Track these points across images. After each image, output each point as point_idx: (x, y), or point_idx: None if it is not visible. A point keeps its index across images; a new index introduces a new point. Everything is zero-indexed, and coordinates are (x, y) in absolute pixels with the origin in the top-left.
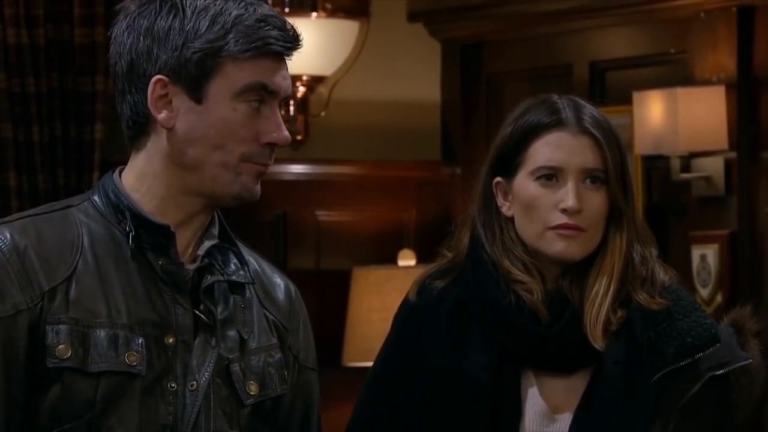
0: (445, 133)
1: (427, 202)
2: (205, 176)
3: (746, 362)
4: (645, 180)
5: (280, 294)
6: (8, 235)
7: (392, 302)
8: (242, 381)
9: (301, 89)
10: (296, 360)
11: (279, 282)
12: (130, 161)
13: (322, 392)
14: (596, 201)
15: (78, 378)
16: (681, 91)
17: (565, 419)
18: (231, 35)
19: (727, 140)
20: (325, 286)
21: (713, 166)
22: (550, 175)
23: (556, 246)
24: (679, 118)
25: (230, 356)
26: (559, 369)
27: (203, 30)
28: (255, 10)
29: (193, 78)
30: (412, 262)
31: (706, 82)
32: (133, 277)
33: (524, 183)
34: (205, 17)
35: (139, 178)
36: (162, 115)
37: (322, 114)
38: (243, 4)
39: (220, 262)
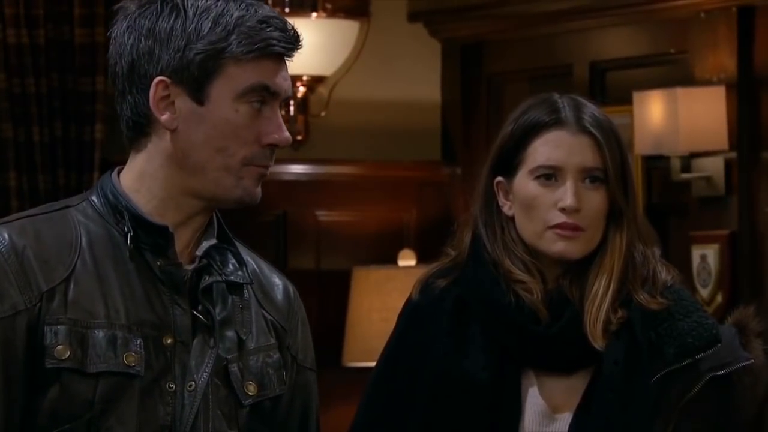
0: (445, 133)
1: (427, 202)
2: (207, 179)
3: (748, 362)
4: (645, 180)
5: (279, 294)
6: (7, 236)
7: (392, 302)
8: (240, 381)
9: (302, 89)
10: (294, 360)
11: (277, 282)
12: (129, 161)
13: (322, 392)
14: (595, 200)
15: (77, 378)
16: (681, 92)
17: (565, 419)
18: (233, 37)
19: (727, 140)
20: (325, 286)
21: (713, 167)
22: (549, 175)
23: (556, 246)
24: (679, 118)
25: (229, 357)
26: (559, 369)
27: (205, 31)
28: (256, 12)
29: (196, 79)
30: (413, 263)
31: (707, 83)
32: (131, 278)
33: (524, 182)
34: (207, 18)
35: (139, 178)
36: (165, 117)
37: (323, 114)
38: (244, 5)
39: (219, 263)
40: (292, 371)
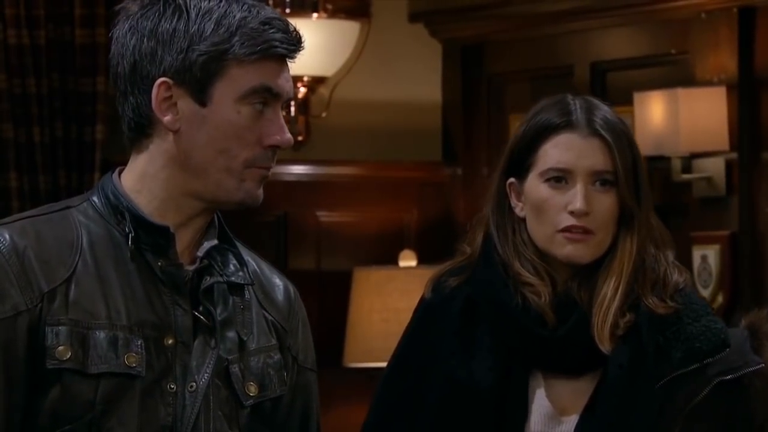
0: (446, 133)
1: (428, 202)
2: (209, 181)
3: (758, 367)
4: None
5: (279, 295)
6: (7, 237)
7: (393, 303)
8: (241, 382)
9: (302, 90)
10: (295, 361)
11: (278, 283)
12: (130, 162)
13: (322, 393)
14: (606, 203)
15: (78, 379)
16: (682, 92)
17: (571, 422)
18: (236, 38)
19: (728, 141)
20: (325, 286)
21: (714, 167)
22: (560, 177)
23: (565, 249)
24: (680, 118)
25: (229, 357)
26: (566, 371)
27: (208, 33)
28: (259, 13)
29: (198, 81)
30: (413, 263)
31: (707, 83)
32: (132, 279)
33: (534, 184)
34: (209, 20)
35: (140, 179)
36: (167, 118)
37: (323, 115)
38: (246, 6)
39: (220, 263)
40: (293, 372)
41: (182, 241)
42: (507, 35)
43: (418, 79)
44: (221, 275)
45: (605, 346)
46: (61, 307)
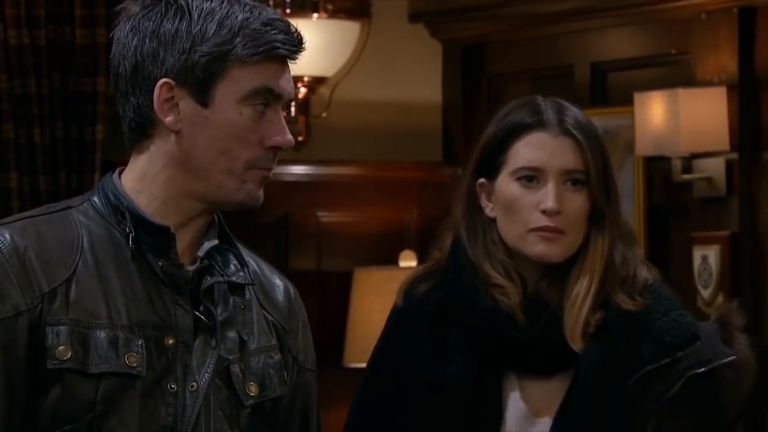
0: (446, 133)
1: (428, 202)
2: (210, 182)
3: (729, 359)
4: (646, 181)
5: (280, 295)
6: (8, 237)
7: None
8: (242, 382)
9: (303, 90)
10: (295, 361)
11: (278, 283)
12: (130, 163)
13: (323, 393)
14: (577, 202)
15: (78, 379)
16: (682, 92)
17: (546, 422)
18: (238, 39)
19: (728, 141)
20: (326, 287)
21: (714, 167)
22: (531, 176)
23: (537, 248)
24: (680, 119)
25: (230, 357)
26: (539, 372)
27: (210, 33)
28: (260, 14)
29: (200, 81)
30: (414, 263)
31: (708, 83)
32: (133, 279)
33: (506, 184)
34: (212, 21)
35: (140, 179)
36: (169, 119)
37: (324, 115)
38: (248, 7)
39: (220, 264)
40: (293, 372)
41: (183, 241)
42: (507, 35)
43: (418, 80)
44: (222, 275)
45: (577, 345)
46: (61, 307)
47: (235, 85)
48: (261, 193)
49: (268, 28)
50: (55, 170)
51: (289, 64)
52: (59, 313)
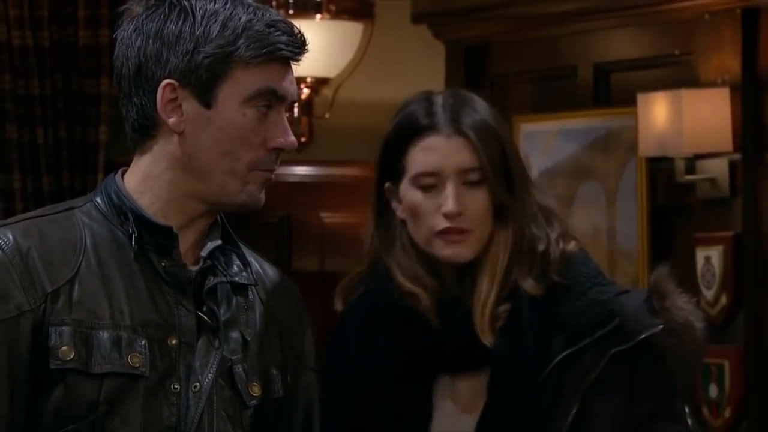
0: None
1: None
2: (212, 184)
3: (655, 330)
4: (649, 182)
5: (282, 295)
6: (11, 237)
7: None
8: (245, 382)
9: (306, 91)
10: (297, 361)
11: (281, 283)
12: (133, 163)
13: None
14: (478, 200)
15: (81, 379)
16: (685, 93)
17: (473, 420)
18: (241, 40)
19: (731, 142)
20: (329, 287)
21: (718, 168)
22: (429, 182)
23: (445, 251)
24: (683, 119)
25: (233, 357)
26: (464, 370)
27: (214, 35)
28: (264, 15)
29: (204, 83)
30: None
31: (711, 84)
32: (136, 279)
33: (407, 190)
34: (215, 22)
35: (143, 180)
36: (172, 120)
37: (327, 116)
38: (251, 8)
39: (223, 264)
40: (296, 372)
41: (185, 241)
42: (510, 36)
43: (421, 80)
44: (225, 275)
45: (488, 340)
46: (64, 308)
47: (238, 87)
48: (262, 195)
49: (272, 29)
50: (59, 171)
51: (292, 65)
52: (62, 314)
